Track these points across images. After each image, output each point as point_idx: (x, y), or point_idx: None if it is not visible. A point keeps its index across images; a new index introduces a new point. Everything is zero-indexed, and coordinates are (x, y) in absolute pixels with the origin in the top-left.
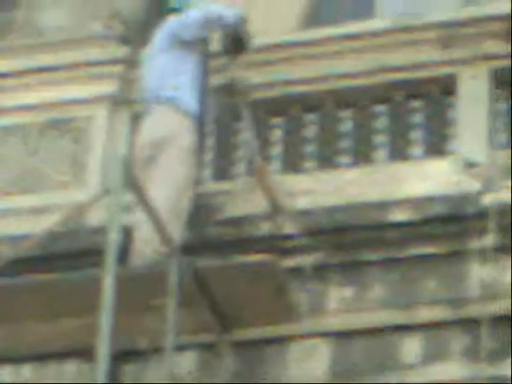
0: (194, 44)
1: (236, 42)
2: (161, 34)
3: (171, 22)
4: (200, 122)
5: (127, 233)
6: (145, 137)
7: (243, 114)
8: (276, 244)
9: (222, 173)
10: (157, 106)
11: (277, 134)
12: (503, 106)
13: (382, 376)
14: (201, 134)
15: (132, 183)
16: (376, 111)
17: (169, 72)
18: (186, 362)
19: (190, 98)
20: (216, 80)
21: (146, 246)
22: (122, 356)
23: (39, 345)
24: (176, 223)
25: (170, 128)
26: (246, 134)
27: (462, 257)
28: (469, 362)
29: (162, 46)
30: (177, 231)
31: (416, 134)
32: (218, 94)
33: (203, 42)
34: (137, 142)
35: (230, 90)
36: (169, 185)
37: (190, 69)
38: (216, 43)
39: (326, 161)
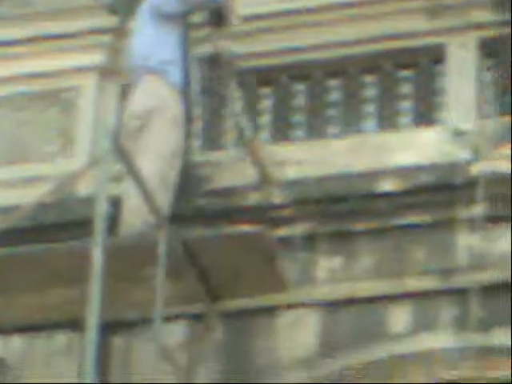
0: (176, 17)
1: (218, 14)
2: (144, 6)
3: None
4: (186, 93)
5: (116, 203)
6: (133, 107)
7: (228, 85)
8: (265, 214)
9: (212, 143)
10: (145, 76)
11: (266, 103)
12: (491, 75)
13: (371, 345)
14: (187, 105)
15: (120, 153)
16: (365, 81)
17: (153, 44)
18: (175, 333)
19: (175, 71)
20: (199, 51)
21: (135, 216)
22: (112, 327)
23: (28, 316)
24: (164, 193)
25: (157, 99)
26: (232, 103)
27: (451, 226)
28: (458, 332)
29: (146, 18)
30: (165, 201)
31: (404, 104)
32: (202, 65)
33: (184, 15)
34: (125, 111)
35: (214, 61)
36: (157, 155)
37: (173, 41)
38: (198, 14)
39: (315, 130)
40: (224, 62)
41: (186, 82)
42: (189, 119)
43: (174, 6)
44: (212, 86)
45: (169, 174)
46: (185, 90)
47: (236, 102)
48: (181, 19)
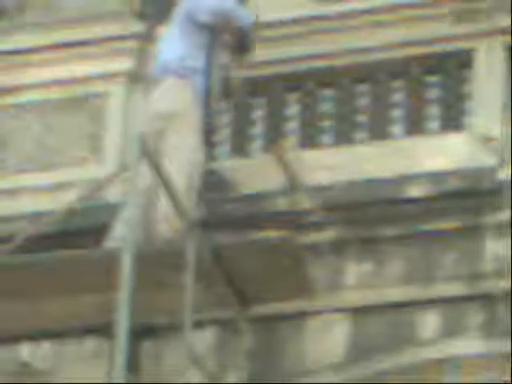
0: (206, 27)
1: (241, 44)
2: (179, 11)
3: (188, 1)
4: (207, 98)
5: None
6: (156, 107)
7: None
8: (293, 220)
9: (239, 149)
10: (169, 78)
11: (294, 109)
12: None
13: (400, 352)
14: (208, 114)
15: (150, 159)
16: (393, 86)
17: (181, 49)
18: (204, 339)
19: (199, 78)
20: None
21: (164, 223)
22: (141, 333)
23: (58, 322)
24: (189, 199)
25: (182, 103)
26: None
27: (478, 232)
28: (485, 338)
29: (177, 22)
30: (191, 207)
31: (432, 109)
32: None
33: (215, 28)
34: (147, 110)
35: (226, 84)
36: (183, 160)
37: (200, 50)
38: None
39: (343, 136)
40: (232, 90)
41: (208, 90)
42: (209, 128)
43: (207, 16)
44: (241, 90)
45: (192, 180)
46: (206, 95)
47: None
48: (211, 30)
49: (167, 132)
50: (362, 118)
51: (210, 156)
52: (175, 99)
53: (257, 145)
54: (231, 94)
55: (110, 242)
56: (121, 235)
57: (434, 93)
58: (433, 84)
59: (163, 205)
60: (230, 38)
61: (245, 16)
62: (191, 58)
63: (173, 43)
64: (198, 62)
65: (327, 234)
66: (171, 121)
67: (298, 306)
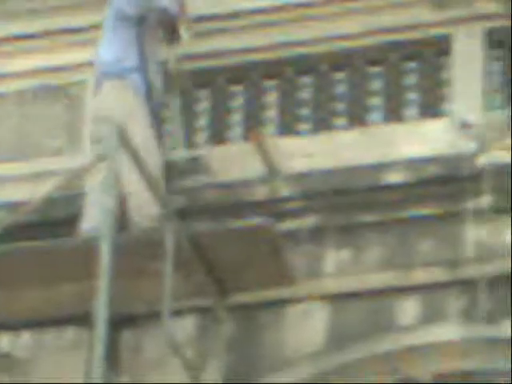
0: (133, 20)
1: (172, 28)
2: (109, 12)
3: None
4: (149, 94)
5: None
6: (97, 114)
7: (172, 102)
8: (272, 207)
9: (218, 137)
10: (107, 82)
11: (272, 96)
12: (498, 66)
13: (379, 338)
14: (152, 108)
15: (128, 148)
16: (370, 73)
17: (115, 49)
18: (184, 327)
19: (136, 76)
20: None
21: (141, 212)
22: (120, 322)
23: (37, 311)
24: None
25: (120, 103)
26: (173, 121)
27: (458, 218)
28: (466, 323)
29: (109, 23)
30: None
31: (411, 95)
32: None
33: (140, 19)
34: (90, 118)
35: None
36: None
37: (133, 46)
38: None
39: (322, 123)
40: (172, 76)
41: (149, 86)
42: (156, 121)
43: (131, 7)
44: (219, 79)
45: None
46: (147, 93)
47: (176, 119)
48: (139, 23)
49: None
50: (340, 105)
51: (189, 143)
52: (117, 102)
53: (235, 132)
54: (175, 83)
55: (86, 226)
56: (95, 224)
57: (412, 79)
58: (411, 70)
59: (139, 194)
60: (159, 27)
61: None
62: (127, 57)
63: (108, 46)
64: (133, 60)
65: (306, 222)
66: (124, 124)
67: (277, 293)
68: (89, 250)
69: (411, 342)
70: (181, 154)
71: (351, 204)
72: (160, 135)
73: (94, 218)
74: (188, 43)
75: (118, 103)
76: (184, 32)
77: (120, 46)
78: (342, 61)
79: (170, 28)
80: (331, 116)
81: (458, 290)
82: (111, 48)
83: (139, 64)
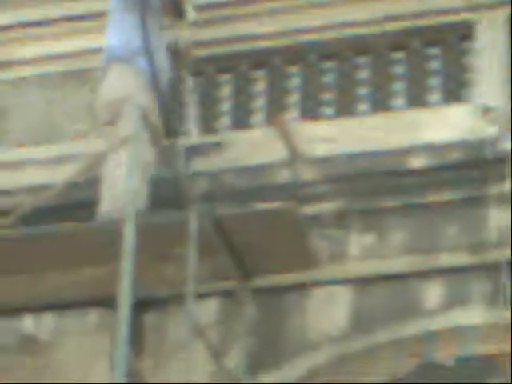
0: (139, 2)
1: (176, 4)
2: None
3: None
4: (155, 79)
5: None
6: (104, 97)
7: (184, 78)
8: (295, 191)
9: (241, 122)
10: (113, 65)
11: (295, 81)
12: None
13: (403, 322)
14: (159, 92)
15: (150, 131)
16: (393, 58)
17: (120, 32)
18: (207, 310)
19: (141, 58)
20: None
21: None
22: (143, 305)
23: (60, 294)
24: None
25: (125, 87)
26: (189, 95)
27: (481, 202)
28: (489, 307)
29: (114, 6)
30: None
31: (434, 81)
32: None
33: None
34: (96, 102)
35: (174, 50)
36: None
37: (137, 29)
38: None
39: (345, 108)
40: (181, 53)
41: (153, 68)
42: (163, 106)
43: None
44: (241, 64)
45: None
46: (153, 77)
47: (192, 93)
48: (142, 6)
49: (118, 118)
50: (363, 90)
51: (212, 128)
52: (124, 85)
53: (258, 117)
54: (181, 57)
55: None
56: (117, 206)
57: (435, 65)
58: (434, 56)
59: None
60: (163, 7)
61: None
62: (132, 40)
63: (114, 29)
64: (138, 43)
65: (329, 206)
66: (120, 107)
67: (300, 277)
68: (112, 232)
69: (435, 326)
70: (204, 138)
71: (375, 188)
72: (169, 119)
73: (115, 201)
74: (203, 26)
75: (125, 86)
76: (189, 6)
77: (125, 30)
78: (365, 46)
79: (172, 4)
80: (354, 101)
81: (482, 275)
82: (117, 32)
83: (144, 47)
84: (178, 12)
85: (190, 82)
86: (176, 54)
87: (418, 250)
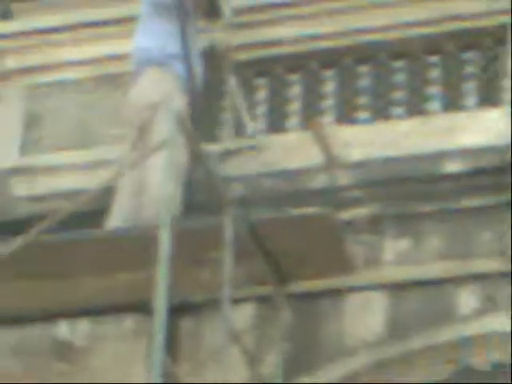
0: (172, 8)
1: (211, 6)
2: (145, 1)
3: None
4: (190, 85)
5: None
6: (138, 100)
7: (227, 78)
8: (331, 196)
9: (276, 125)
10: (147, 68)
11: (330, 86)
12: None
13: (439, 328)
14: (193, 97)
15: (186, 136)
16: (429, 62)
17: (155, 36)
18: (243, 315)
19: (177, 63)
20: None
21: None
22: (179, 310)
23: (96, 299)
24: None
25: (161, 91)
26: (232, 98)
27: None
28: None
29: (147, 9)
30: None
31: (469, 85)
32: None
33: (180, 5)
34: (130, 105)
35: (211, 53)
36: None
37: (173, 33)
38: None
39: (380, 112)
40: (220, 54)
41: (189, 74)
42: (197, 110)
43: None
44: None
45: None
46: (188, 82)
47: (236, 95)
48: (177, 10)
49: (153, 123)
50: (398, 94)
51: (246, 133)
52: (158, 89)
53: (294, 121)
54: (220, 59)
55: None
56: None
57: (470, 69)
58: (469, 60)
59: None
60: (198, 8)
61: None
62: (169, 45)
63: (147, 33)
64: (175, 47)
65: (365, 210)
66: (155, 111)
67: (336, 282)
68: (147, 237)
69: (470, 332)
70: (239, 142)
71: (410, 193)
72: (199, 124)
73: (150, 206)
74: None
75: (159, 90)
76: (225, 6)
77: (161, 34)
78: (400, 49)
79: (208, 4)
80: (390, 105)
81: None
82: (151, 36)
83: (181, 51)
84: (214, 12)
85: (232, 84)
86: (213, 56)
87: (453, 255)
